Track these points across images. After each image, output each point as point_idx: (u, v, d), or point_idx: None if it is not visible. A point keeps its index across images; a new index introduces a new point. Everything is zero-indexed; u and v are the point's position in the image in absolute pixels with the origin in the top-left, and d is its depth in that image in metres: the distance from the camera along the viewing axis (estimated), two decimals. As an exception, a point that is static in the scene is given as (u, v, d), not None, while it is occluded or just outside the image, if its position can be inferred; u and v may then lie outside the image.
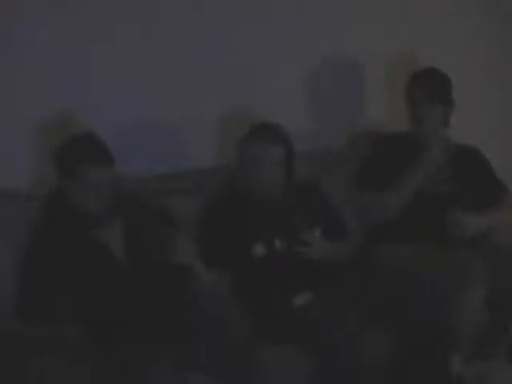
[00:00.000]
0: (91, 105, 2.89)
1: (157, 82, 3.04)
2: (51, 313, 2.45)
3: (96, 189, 2.55)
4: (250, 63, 3.23)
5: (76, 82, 2.88)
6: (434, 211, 3.08)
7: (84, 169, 2.54)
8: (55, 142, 2.69)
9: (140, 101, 2.99)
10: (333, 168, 3.30)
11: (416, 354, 2.69)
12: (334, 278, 2.81)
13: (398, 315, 2.70)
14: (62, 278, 2.49)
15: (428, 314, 2.73)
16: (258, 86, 3.23)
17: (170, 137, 3.12)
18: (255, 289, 2.73)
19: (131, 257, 2.60)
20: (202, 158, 3.16)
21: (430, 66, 3.24)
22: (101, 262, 2.57)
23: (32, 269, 2.53)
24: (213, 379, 2.39)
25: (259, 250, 2.78)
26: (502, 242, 3.17)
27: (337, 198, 3.09)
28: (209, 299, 2.55)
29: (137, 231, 2.64)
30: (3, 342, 2.41)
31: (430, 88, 3.16)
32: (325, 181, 3.14)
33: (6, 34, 2.77)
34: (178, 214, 2.78)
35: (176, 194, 2.89)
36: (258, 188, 2.82)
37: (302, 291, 2.73)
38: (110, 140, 2.63)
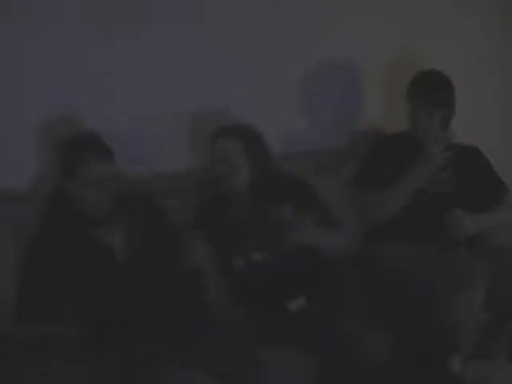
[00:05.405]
0: (92, 105, 2.89)
1: (160, 79, 3.04)
2: (51, 313, 2.45)
3: (98, 187, 2.55)
4: (249, 62, 3.23)
5: (76, 82, 2.88)
6: (435, 211, 3.07)
7: (85, 166, 2.54)
8: (55, 142, 2.69)
9: (143, 99, 3.00)
10: (333, 168, 3.30)
11: (416, 354, 2.69)
12: (325, 279, 2.80)
13: (398, 315, 2.70)
14: (63, 278, 2.49)
15: (428, 313, 2.73)
16: (257, 86, 3.23)
17: (169, 137, 3.13)
18: (249, 294, 2.73)
19: (133, 257, 2.61)
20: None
21: (431, 68, 3.23)
22: (101, 261, 2.57)
23: (32, 269, 2.53)
24: (213, 379, 2.38)
25: (237, 262, 2.78)
26: (502, 242, 3.17)
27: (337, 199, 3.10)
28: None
29: (140, 231, 2.64)
30: (2, 341, 2.41)
31: (429, 92, 3.15)
32: (325, 181, 3.14)
33: (6, 34, 2.77)
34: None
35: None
36: (225, 188, 2.82)
37: (295, 296, 2.72)
38: (110, 140, 2.63)
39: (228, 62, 3.19)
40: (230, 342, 2.42)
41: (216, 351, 2.41)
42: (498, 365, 3.01)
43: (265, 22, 3.28)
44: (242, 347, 2.43)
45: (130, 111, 2.96)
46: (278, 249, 2.77)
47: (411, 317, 2.70)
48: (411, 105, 3.21)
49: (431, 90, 3.16)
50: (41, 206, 2.64)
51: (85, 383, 2.30)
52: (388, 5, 3.58)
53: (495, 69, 3.96)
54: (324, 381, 2.55)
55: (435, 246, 3.05)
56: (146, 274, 2.59)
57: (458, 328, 2.80)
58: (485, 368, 2.93)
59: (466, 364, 2.82)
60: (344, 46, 3.47)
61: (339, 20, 3.45)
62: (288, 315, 2.69)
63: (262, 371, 2.44)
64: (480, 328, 2.91)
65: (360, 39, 3.48)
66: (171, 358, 2.39)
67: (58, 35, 2.84)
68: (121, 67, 2.96)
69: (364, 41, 3.49)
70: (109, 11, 2.93)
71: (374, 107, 3.57)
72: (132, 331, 2.48)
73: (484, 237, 3.14)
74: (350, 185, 3.24)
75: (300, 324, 2.65)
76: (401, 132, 3.28)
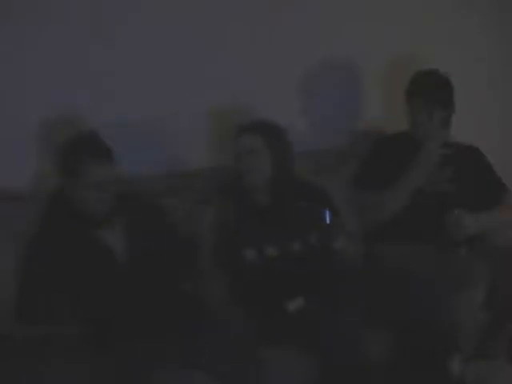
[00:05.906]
0: (92, 105, 2.89)
1: (160, 80, 3.04)
2: (51, 313, 2.45)
3: (98, 188, 2.55)
4: (249, 62, 3.23)
5: (76, 82, 2.88)
6: (435, 211, 3.08)
7: (86, 167, 2.54)
8: (56, 142, 2.69)
9: (143, 100, 3.00)
10: (333, 168, 3.30)
11: (416, 354, 2.69)
12: (328, 281, 2.80)
13: (398, 315, 2.70)
14: (63, 278, 2.49)
15: (428, 313, 2.73)
16: (257, 86, 3.23)
17: (168, 137, 3.13)
18: (250, 293, 2.73)
19: (133, 257, 2.60)
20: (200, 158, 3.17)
21: (430, 68, 3.23)
22: (101, 262, 2.57)
23: (32, 269, 2.53)
24: (213, 379, 2.38)
25: (250, 256, 2.78)
26: (502, 242, 3.17)
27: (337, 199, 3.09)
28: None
29: (140, 231, 2.64)
30: (2, 341, 2.41)
31: (429, 92, 3.16)
32: (325, 181, 3.14)
33: (6, 34, 2.76)
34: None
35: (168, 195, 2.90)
36: (247, 183, 2.82)
37: (295, 296, 2.72)
38: (110, 140, 2.63)
39: (228, 61, 3.19)
40: (230, 342, 2.42)
41: (216, 351, 2.41)
42: (498, 365, 3.01)
43: (265, 22, 3.28)
44: (242, 347, 2.42)
45: (130, 111, 2.96)
46: (295, 248, 2.77)
47: (411, 317, 2.70)
48: (411, 105, 3.21)
49: (431, 90, 3.16)
50: (41, 206, 2.64)
51: (85, 383, 2.30)
52: (388, 5, 3.58)
53: (495, 69, 3.96)
54: (324, 381, 2.55)
55: (435, 246, 3.05)
56: (146, 274, 2.58)
57: (458, 328, 2.80)
58: (485, 368, 2.93)
59: (466, 364, 2.82)
60: (344, 46, 3.47)
61: (339, 20, 3.45)
62: (288, 315, 2.69)
63: (261, 371, 2.44)
64: (480, 328, 2.91)
65: (360, 39, 3.48)
66: (171, 358, 2.39)
67: (58, 35, 2.84)
68: (121, 67, 2.96)
69: (364, 41, 3.49)
70: (109, 11, 2.93)
71: (374, 107, 3.57)
72: (132, 331, 2.48)
73: (484, 237, 3.14)
74: (350, 185, 3.24)
75: (300, 324, 2.65)
76: (401, 132, 3.28)
